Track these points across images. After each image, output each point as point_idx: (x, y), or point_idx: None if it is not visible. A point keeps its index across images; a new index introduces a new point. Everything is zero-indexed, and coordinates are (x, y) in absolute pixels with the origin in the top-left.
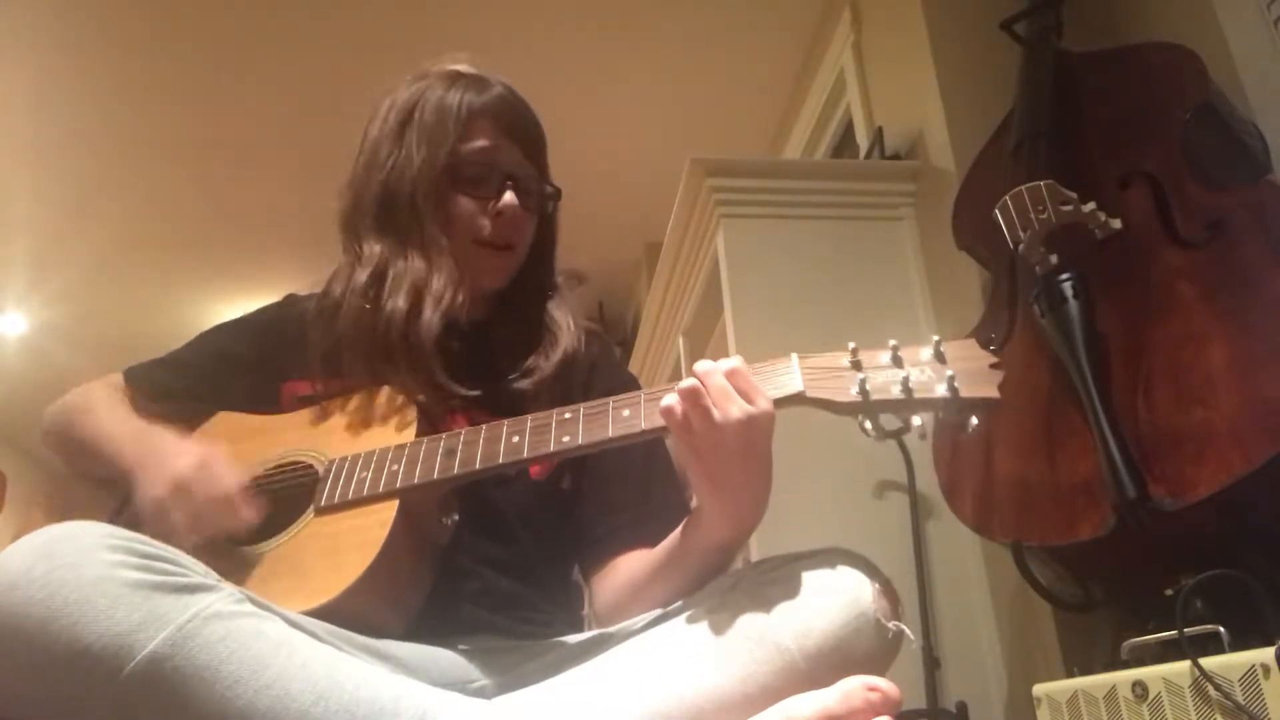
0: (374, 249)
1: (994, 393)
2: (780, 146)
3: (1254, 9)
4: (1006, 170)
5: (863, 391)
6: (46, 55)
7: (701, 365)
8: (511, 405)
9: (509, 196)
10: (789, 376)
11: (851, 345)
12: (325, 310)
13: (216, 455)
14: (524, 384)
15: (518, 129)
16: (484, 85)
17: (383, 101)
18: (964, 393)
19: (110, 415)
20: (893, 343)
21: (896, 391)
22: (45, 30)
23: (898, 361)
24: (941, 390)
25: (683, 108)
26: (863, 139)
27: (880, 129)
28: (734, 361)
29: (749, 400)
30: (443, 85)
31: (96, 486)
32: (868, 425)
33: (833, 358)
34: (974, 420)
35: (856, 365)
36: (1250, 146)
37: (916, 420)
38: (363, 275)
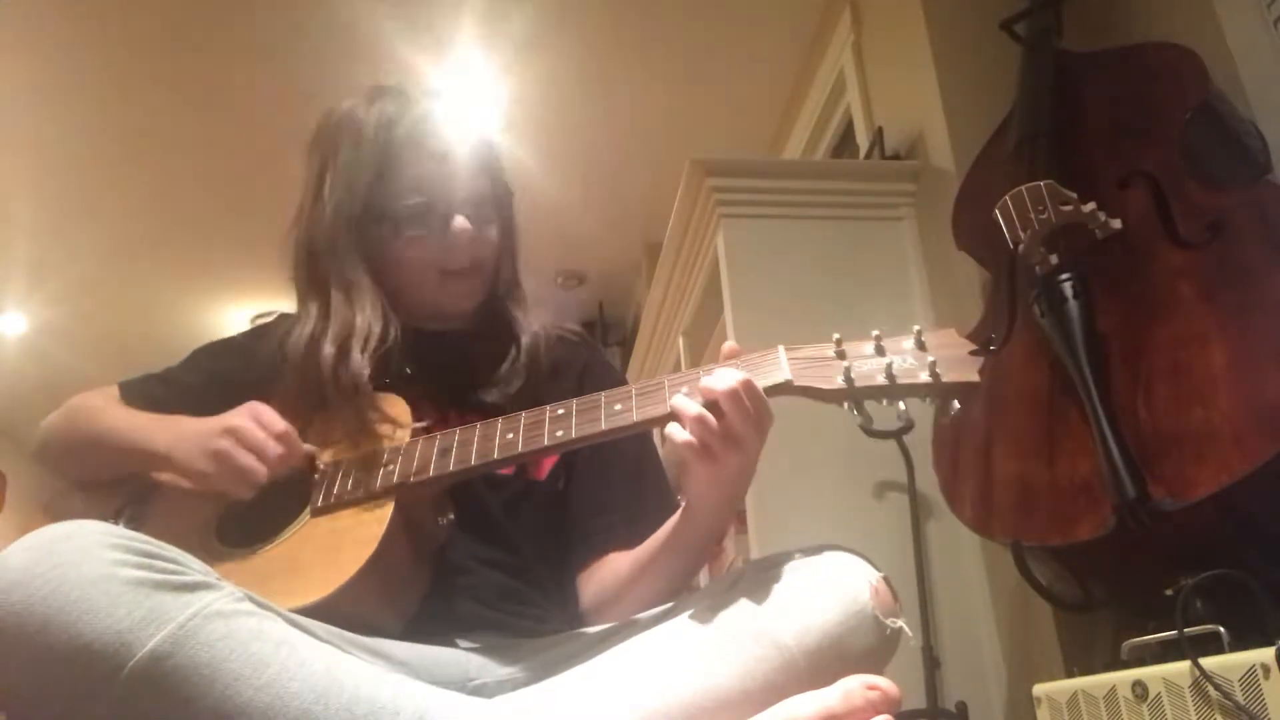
0: (310, 308)
1: (974, 376)
2: (780, 146)
3: (1254, 9)
4: (1006, 170)
5: (848, 379)
6: (47, 54)
7: (723, 377)
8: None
9: (458, 221)
10: (777, 367)
11: (836, 336)
12: (284, 357)
13: (257, 404)
14: (491, 395)
15: (446, 147)
16: (403, 106)
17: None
18: (945, 378)
19: (122, 412)
20: (875, 333)
21: (881, 378)
22: (46, 30)
23: (880, 350)
24: (924, 376)
25: (683, 108)
26: (863, 139)
27: (880, 129)
28: (742, 375)
29: (760, 413)
30: (360, 113)
31: (98, 495)
32: (856, 414)
33: (818, 348)
34: (955, 404)
35: (841, 355)
36: (1250, 146)
37: (901, 405)
38: (305, 330)
